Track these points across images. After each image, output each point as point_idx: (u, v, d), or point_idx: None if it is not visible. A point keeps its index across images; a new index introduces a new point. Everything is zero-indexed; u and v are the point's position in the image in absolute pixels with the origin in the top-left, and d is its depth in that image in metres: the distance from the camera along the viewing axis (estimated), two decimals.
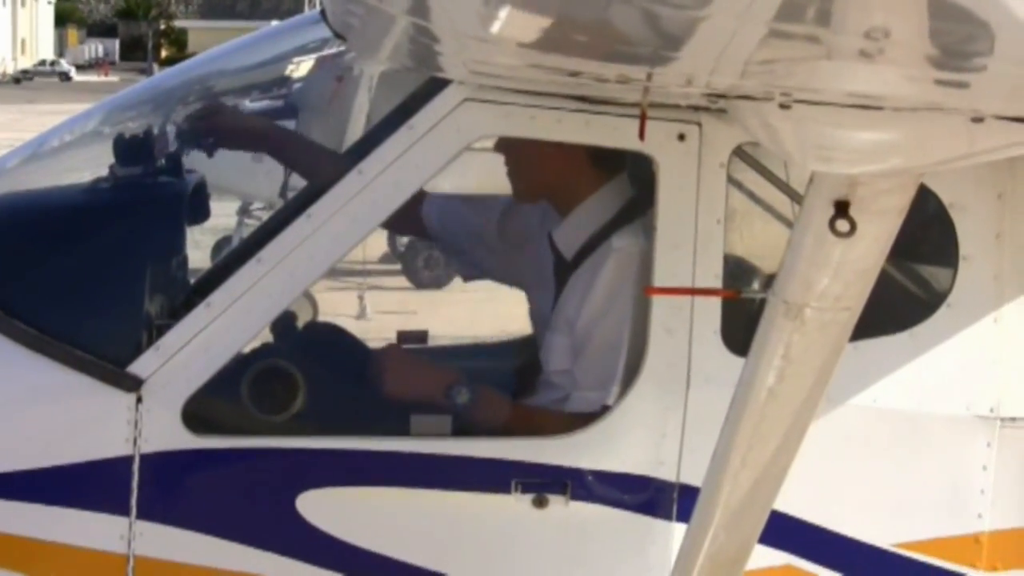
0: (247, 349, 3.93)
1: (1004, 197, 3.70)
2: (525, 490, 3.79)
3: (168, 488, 3.81)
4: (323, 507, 3.81)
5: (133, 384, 3.73)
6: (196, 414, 3.77)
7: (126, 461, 3.73)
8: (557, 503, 3.81)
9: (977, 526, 3.75)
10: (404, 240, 13.47)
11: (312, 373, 3.99)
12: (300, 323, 4.79)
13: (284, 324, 4.37)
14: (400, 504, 3.84)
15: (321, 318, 5.72)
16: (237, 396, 3.83)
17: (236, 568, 3.81)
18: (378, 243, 12.61)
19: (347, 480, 3.84)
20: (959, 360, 3.71)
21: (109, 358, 3.75)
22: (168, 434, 3.75)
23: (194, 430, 3.76)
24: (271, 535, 3.84)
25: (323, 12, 3.71)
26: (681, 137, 3.69)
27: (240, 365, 3.86)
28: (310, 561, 3.82)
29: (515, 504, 3.78)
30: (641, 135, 3.35)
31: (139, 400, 3.73)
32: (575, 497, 3.83)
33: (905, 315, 3.71)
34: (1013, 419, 3.73)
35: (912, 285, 3.81)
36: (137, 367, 3.75)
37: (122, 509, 3.73)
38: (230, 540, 3.80)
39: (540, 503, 3.81)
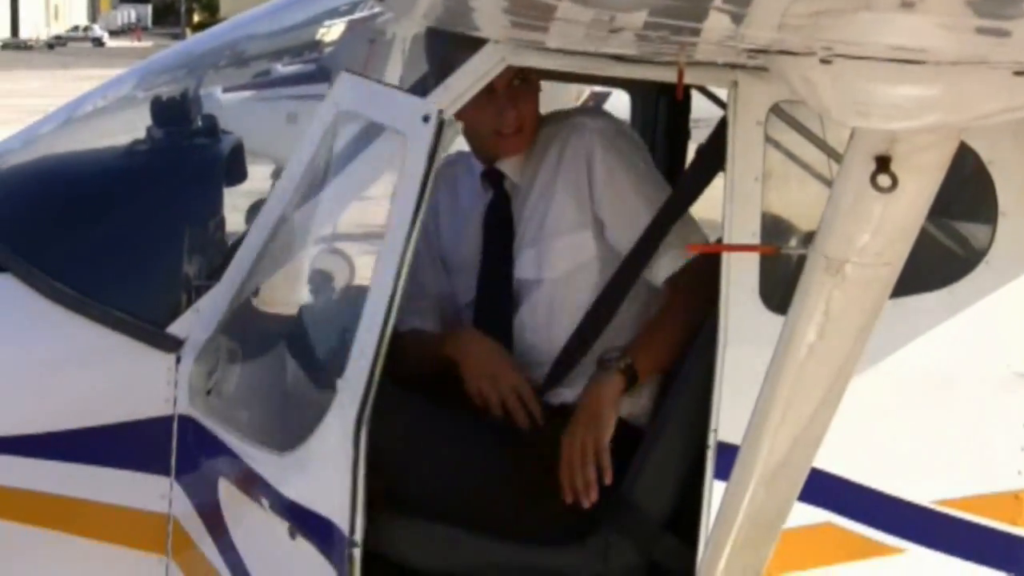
0: None
1: None
2: None
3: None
4: None
5: (173, 345, 3.75)
6: None
7: (166, 421, 3.75)
8: None
9: (1018, 483, 3.74)
10: None
11: None
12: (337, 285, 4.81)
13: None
14: None
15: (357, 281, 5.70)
16: None
17: None
18: None
19: None
20: (998, 317, 3.70)
21: (149, 319, 3.78)
22: None
23: None
24: None
25: None
26: None
27: None
28: None
29: None
30: (678, 93, 3.34)
31: (179, 360, 3.75)
32: None
33: (944, 272, 3.70)
34: None
35: (951, 242, 3.79)
36: (176, 328, 3.76)
37: (163, 469, 3.76)
38: None
39: None
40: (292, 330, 3.71)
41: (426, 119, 3.39)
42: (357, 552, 3.06)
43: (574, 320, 4.06)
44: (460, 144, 4.17)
